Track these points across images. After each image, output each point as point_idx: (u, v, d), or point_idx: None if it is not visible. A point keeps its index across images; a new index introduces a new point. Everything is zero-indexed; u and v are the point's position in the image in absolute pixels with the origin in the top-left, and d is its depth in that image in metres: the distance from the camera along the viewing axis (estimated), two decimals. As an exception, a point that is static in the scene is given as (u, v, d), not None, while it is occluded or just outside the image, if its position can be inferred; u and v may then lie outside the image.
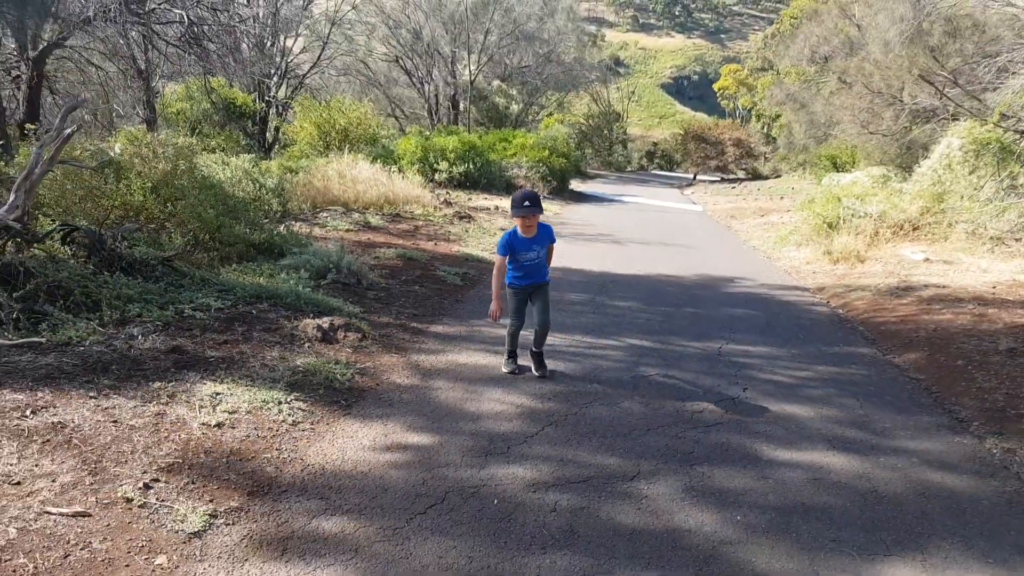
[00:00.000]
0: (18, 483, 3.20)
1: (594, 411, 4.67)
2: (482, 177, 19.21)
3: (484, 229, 12.53)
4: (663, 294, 8.42)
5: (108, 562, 2.80)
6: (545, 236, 5.12)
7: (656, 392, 5.09)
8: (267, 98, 22.02)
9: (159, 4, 11.80)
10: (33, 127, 8.85)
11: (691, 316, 7.40)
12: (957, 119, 14.09)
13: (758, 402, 5.00)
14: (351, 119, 17.30)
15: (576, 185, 26.39)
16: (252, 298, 6.08)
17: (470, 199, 16.97)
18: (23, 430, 3.61)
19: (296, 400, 4.39)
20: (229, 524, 3.13)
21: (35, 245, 5.91)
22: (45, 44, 12.22)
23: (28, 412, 3.81)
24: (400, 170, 15.95)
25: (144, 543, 2.94)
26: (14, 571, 2.67)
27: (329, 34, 24.29)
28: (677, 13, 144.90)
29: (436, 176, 18.42)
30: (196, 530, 3.05)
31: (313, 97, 21.35)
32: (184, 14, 11.33)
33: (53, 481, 3.25)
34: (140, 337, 4.97)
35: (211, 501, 3.28)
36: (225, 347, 5.08)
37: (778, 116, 37.44)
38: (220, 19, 13.35)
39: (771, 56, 45.54)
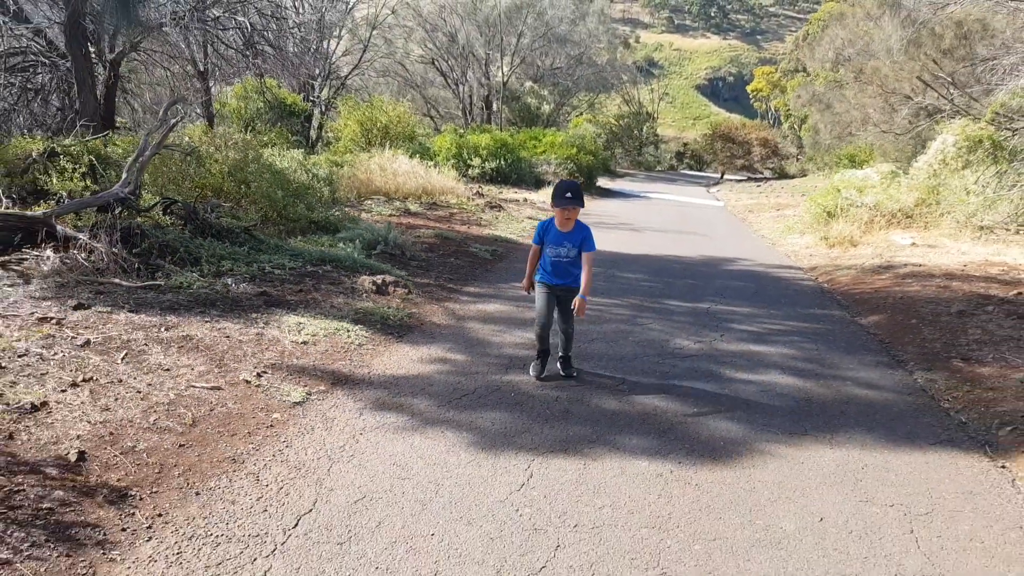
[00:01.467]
0: (168, 369, 4.45)
1: (595, 347, 5.81)
2: (513, 173, 20.39)
3: (513, 217, 13.72)
4: (668, 269, 9.52)
5: (240, 415, 4.02)
6: (579, 236, 4.84)
7: (647, 335, 6.22)
8: (311, 98, 23.43)
9: (223, 13, 13.15)
10: (124, 121, 10.25)
11: (689, 285, 8.50)
12: (963, 116, 14.93)
13: (731, 343, 6.11)
14: (391, 117, 18.61)
15: (604, 183, 27.44)
16: (317, 261, 7.33)
17: (501, 192, 18.15)
18: (162, 339, 4.87)
19: (360, 330, 5.61)
20: (320, 399, 4.35)
21: (142, 214, 7.22)
22: (121, 48, 13.69)
23: (163, 329, 5.07)
24: (436, 165, 17.19)
25: (262, 406, 4.16)
26: (179, 416, 3.90)
27: (370, 37, 25.65)
28: (713, 14, 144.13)
29: (469, 171, 19.63)
30: (297, 401, 4.27)
31: (354, 97, 22.71)
32: (247, 21, 12.66)
33: (192, 369, 4.49)
34: (233, 285, 6.23)
35: (305, 386, 4.50)
36: (300, 294, 6.33)
37: (806, 118, 38.07)
38: (273, 27, 14.69)
39: (801, 58, 46.07)
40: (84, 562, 2.71)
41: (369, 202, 13.03)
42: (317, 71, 22.32)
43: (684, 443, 4.07)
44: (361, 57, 25.83)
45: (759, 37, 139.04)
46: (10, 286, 5.70)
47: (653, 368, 5.33)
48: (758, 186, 31.45)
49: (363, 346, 5.36)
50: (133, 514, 3.04)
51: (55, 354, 4.43)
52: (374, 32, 26.06)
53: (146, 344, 4.75)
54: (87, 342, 4.67)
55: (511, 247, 10.34)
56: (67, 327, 4.89)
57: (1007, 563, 3.12)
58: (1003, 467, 4.06)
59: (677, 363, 5.48)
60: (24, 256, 6.41)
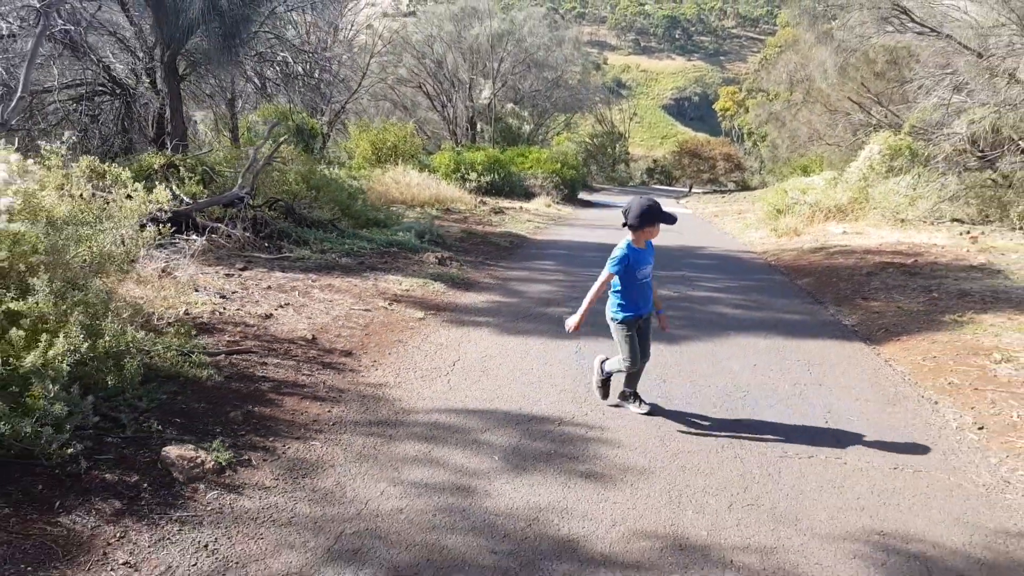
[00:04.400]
0: (331, 301, 6.71)
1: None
2: (505, 185, 22.82)
3: (516, 219, 16.14)
4: (650, 253, 11.93)
5: (391, 323, 6.30)
6: (651, 247, 4.71)
7: (640, 289, 8.59)
8: (318, 121, 25.67)
9: (267, 48, 15.43)
10: (208, 140, 12.42)
11: (668, 262, 10.90)
12: (888, 129, 17.64)
13: (699, 293, 8.51)
14: (399, 137, 20.96)
15: (583, 195, 30.00)
16: (386, 244, 9.62)
17: (497, 202, 20.54)
18: (314, 285, 7.13)
19: (439, 284, 7.92)
20: (434, 317, 6.65)
21: (254, 209, 9.45)
22: (179, 77, 15.88)
23: (310, 281, 7.33)
24: (436, 180, 19.53)
25: (401, 319, 6.45)
26: (355, 322, 6.16)
27: (368, 64, 28.01)
28: (677, 36, 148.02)
29: (466, 184, 21.98)
30: (421, 317, 6.57)
31: (364, 118, 25.00)
32: (286, 56, 14.95)
33: (345, 301, 6.76)
34: (337, 257, 8.50)
35: (422, 310, 6.79)
36: (386, 264, 8.62)
37: (765, 135, 41.09)
38: (304, 59, 16.98)
39: (761, 79, 49.24)
40: (348, 377, 4.97)
41: (393, 209, 15.30)
42: (332, 96, 24.58)
43: (670, 337, 6.43)
44: (360, 82, 28.15)
45: (722, 58, 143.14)
46: (182, 258, 7.92)
47: (647, 304, 7.68)
48: (723, 197, 34.21)
49: (445, 293, 7.67)
50: (360, 360, 5.31)
51: (251, 292, 6.68)
52: (371, 60, 28.42)
53: (306, 288, 7.01)
54: (268, 286, 6.93)
55: (523, 240, 12.72)
56: (247, 279, 7.14)
57: (859, 381, 5.50)
58: (873, 347, 6.47)
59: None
60: (175, 240, 8.62)
